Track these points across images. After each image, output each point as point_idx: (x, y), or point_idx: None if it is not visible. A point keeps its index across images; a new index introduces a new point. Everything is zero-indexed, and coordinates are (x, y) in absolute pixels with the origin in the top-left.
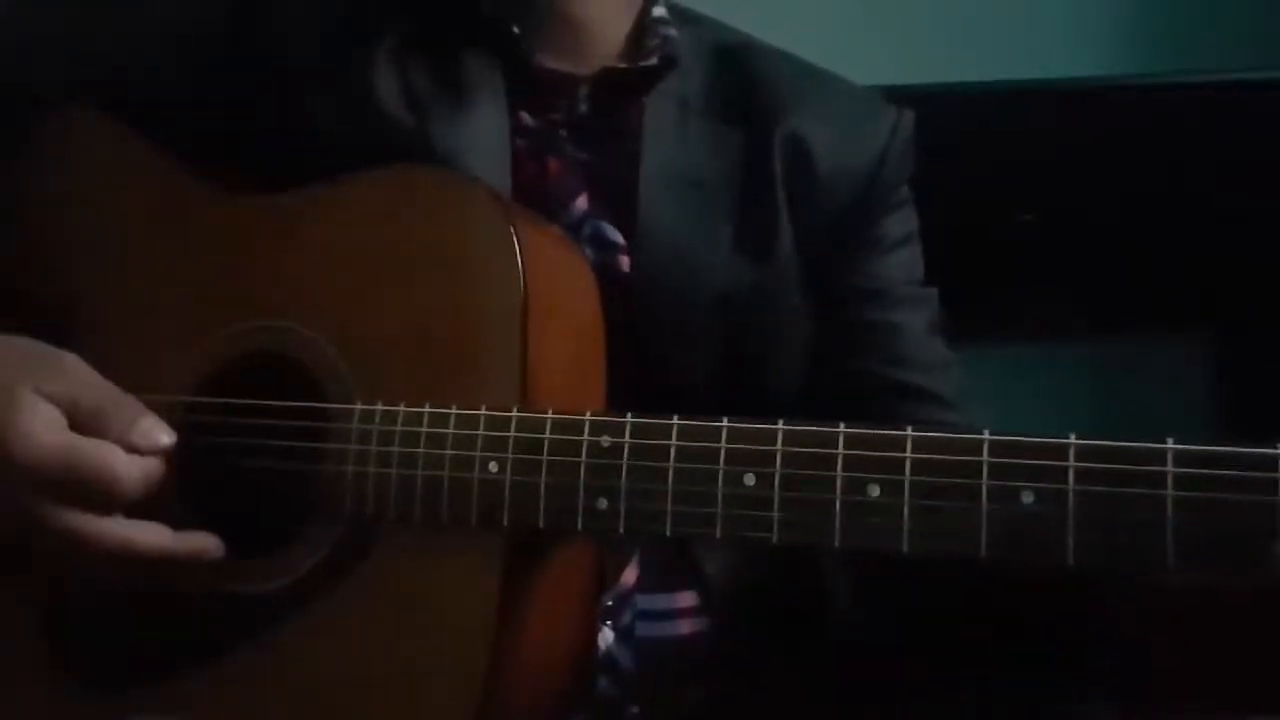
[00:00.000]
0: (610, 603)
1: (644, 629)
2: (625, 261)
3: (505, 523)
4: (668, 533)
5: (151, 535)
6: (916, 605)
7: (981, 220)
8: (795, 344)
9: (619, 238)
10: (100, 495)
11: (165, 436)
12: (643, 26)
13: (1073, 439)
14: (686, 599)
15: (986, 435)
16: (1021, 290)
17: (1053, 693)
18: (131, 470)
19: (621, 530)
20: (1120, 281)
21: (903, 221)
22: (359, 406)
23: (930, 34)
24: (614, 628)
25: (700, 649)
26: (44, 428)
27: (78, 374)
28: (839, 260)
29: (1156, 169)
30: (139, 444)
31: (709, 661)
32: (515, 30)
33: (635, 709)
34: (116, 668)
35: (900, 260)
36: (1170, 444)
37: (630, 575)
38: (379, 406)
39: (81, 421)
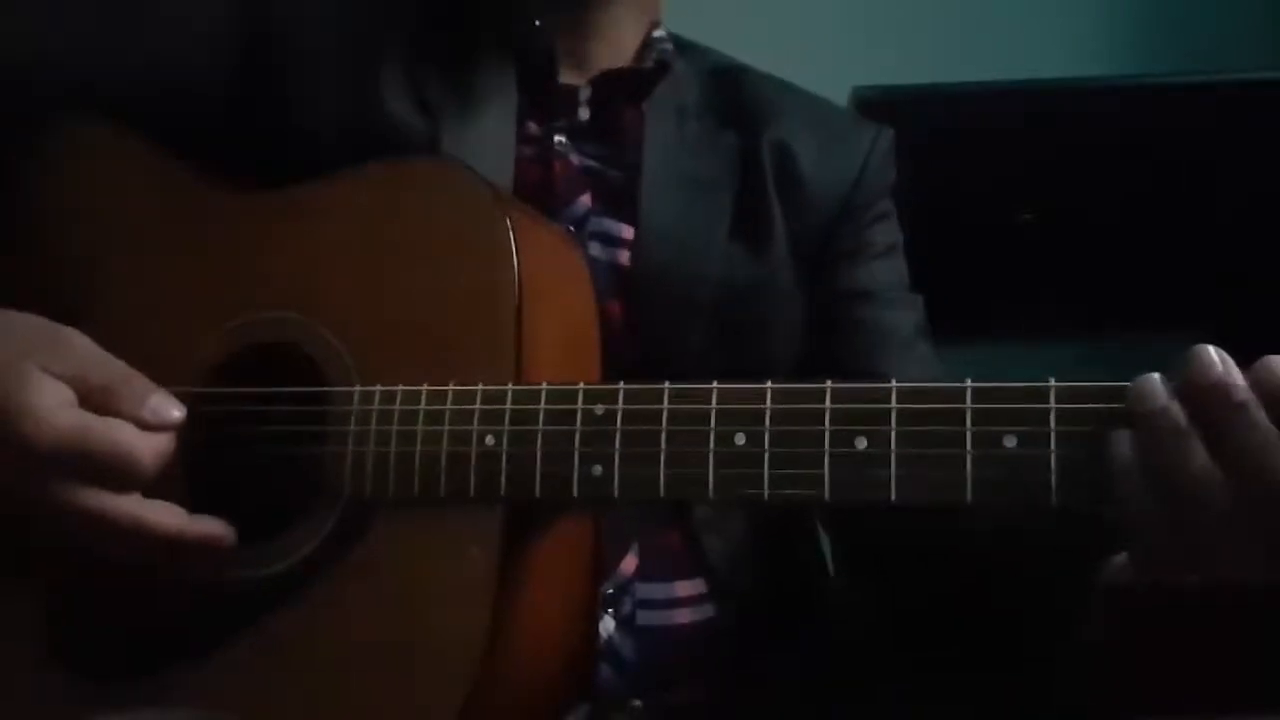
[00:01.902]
0: (611, 591)
1: (645, 618)
2: (626, 255)
3: (502, 493)
4: (661, 494)
5: (166, 515)
6: (914, 598)
7: (981, 220)
8: (789, 339)
9: (623, 232)
10: (116, 474)
11: (176, 411)
12: (646, 43)
13: (1052, 382)
14: (686, 588)
15: (969, 383)
16: (1021, 290)
17: (1047, 685)
18: (146, 447)
19: (616, 495)
20: (1120, 281)
21: (886, 232)
22: (358, 389)
23: (930, 34)
24: (615, 616)
25: (701, 637)
26: (55, 406)
27: (85, 350)
28: (826, 266)
29: (1156, 169)
30: (150, 420)
31: (710, 650)
32: (552, 47)
33: (638, 703)
34: (116, 656)
35: (884, 267)
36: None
37: (630, 564)
38: (377, 389)
39: (91, 399)
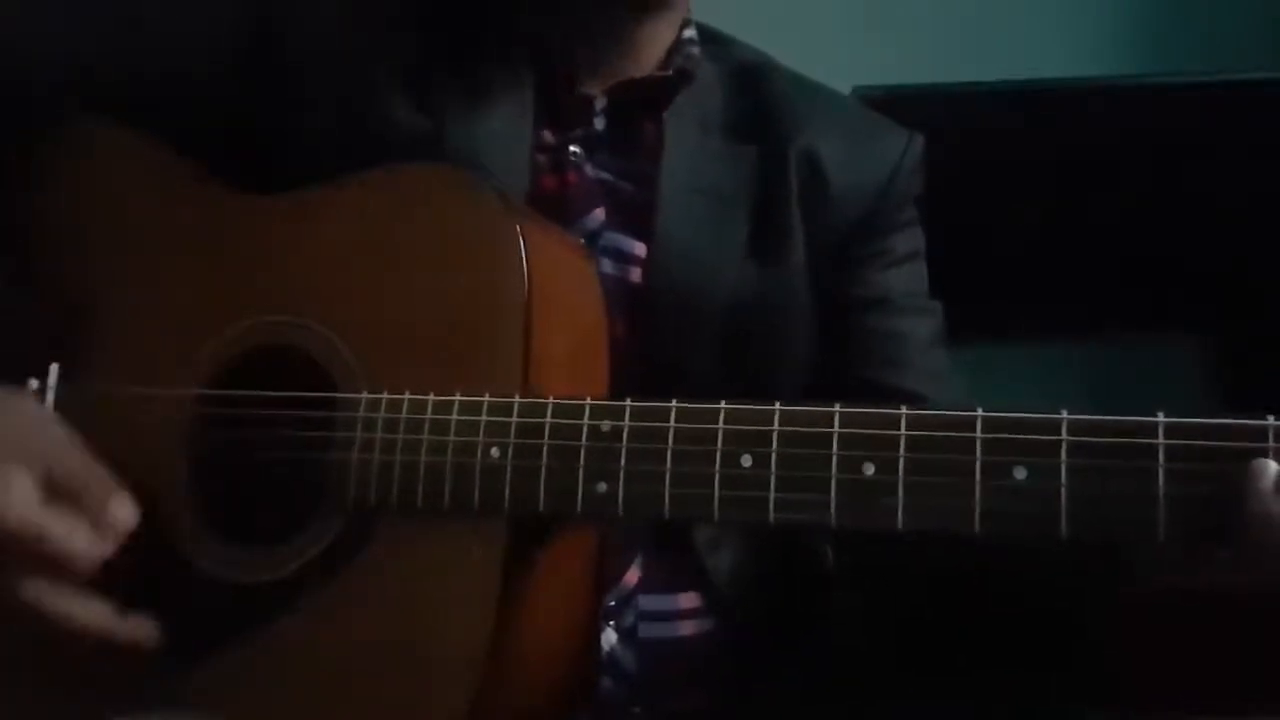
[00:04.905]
0: (613, 603)
1: (646, 630)
2: (637, 273)
3: (506, 506)
4: (666, 515)
5: (91, 614)
6: (916, 609)
7: (981, 220)
8: (803, 353)
9: (635, 249)
10: (54, 568)
11: (130, 518)
12: (673, 46)
13: (1065, 415)
14: (688, 600)
15: (980, 412)
16: (1021, 291)
17: (1049, 694)
18: (90, 552)
19: (620, 513)
20: (1119, 281)
21: (909, 239)
22: (365, 395)
23: (930, 34)
24: (617, 628)
25: (702, 650)
26: (15, 496)
27: (57, 443)
28: (845, 272)
29: (1156, 169)
30: (106, 523)
31: (711, 662)
32: (574, 57)
33: (638, 709)
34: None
35: (904, 274)
36: (1161, 417)
37: (633, 576)
38: (384, 395)
39: (55, 491)
